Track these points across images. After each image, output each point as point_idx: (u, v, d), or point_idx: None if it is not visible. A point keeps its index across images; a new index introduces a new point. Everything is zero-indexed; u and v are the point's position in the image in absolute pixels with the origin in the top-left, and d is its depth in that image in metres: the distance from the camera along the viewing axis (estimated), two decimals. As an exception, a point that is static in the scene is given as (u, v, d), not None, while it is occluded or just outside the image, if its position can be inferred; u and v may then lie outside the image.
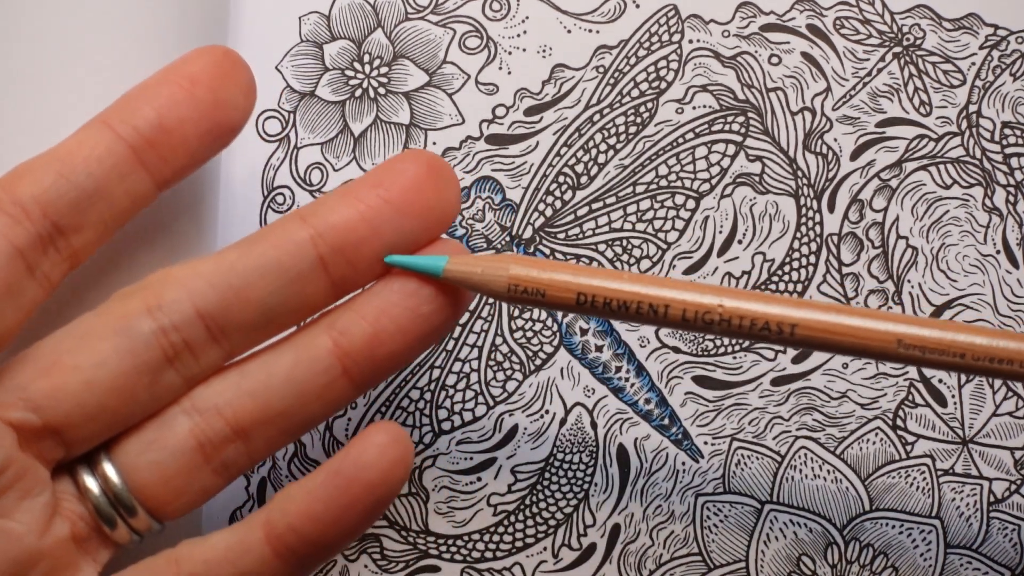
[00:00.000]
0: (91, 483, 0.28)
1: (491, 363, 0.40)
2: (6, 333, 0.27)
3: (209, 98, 0.29)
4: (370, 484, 0.28)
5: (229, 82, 0.29)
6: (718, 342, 0.41)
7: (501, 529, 0.40)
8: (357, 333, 0.28)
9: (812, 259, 0.41)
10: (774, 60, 0.41)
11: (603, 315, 0.24)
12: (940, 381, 0.41)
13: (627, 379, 0.40)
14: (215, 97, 0.29)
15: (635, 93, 0.41)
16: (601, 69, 0.41)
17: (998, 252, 0.41)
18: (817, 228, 0.41)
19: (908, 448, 0.41)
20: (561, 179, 0.41)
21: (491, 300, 0.40)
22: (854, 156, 0.41)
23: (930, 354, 0.23)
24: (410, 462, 0.29)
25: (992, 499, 0.41)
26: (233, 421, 0.28)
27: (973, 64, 0.42)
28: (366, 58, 0.40)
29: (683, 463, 0.40)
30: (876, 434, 0.41)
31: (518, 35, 0.41)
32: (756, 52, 0.41)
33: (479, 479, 0.40)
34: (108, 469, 0.28)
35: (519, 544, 0.40)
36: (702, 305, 0.23)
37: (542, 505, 0.40)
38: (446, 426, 0.40)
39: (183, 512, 0.29)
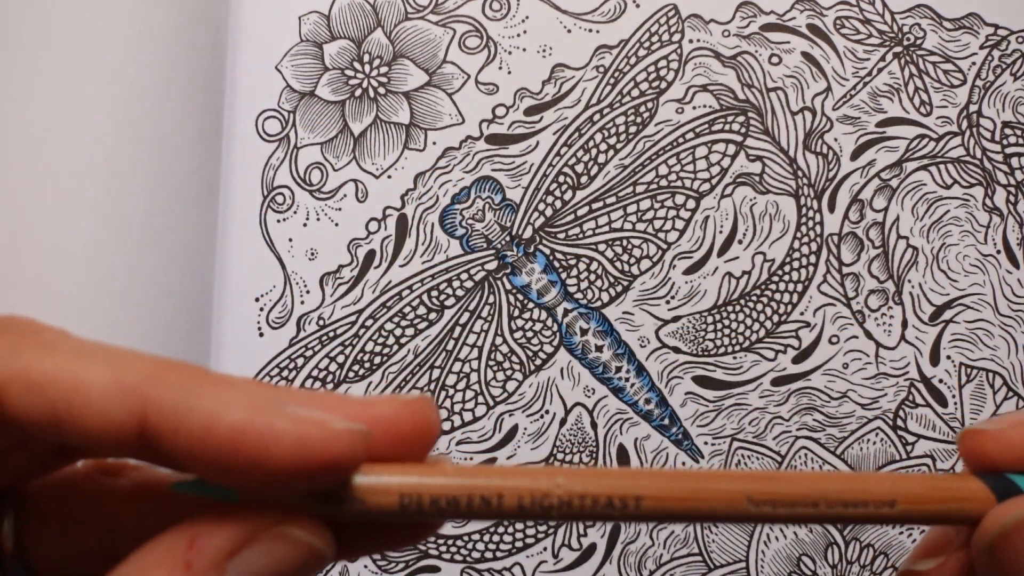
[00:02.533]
0: None
1: (491, 363, 0.40)
2: None
3: None
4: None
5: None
6: (718, 342, 0.41)
7: (501, 529, 0.40)
8: None
9: (812, 259, 0.41)
10: (774, 60, 0.41)
11: (431, 516, 0.22)
12: (940, 381, 0.41)
13: (627, 379, 0.40)
14: None
15: (635, 93, 0.41)
16: (601, 69, 0.41)
17: (998, 252, 0.41)
18: (817, 228, 0.41)
19: (909, 448, 0.41)
20: (561, 179, 0.41)
21: (490, 301, 0.40)
22: (854, 156, 0.41)
23: (781, 508, 0.22)
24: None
25: (992, 499, 0.41)
26: None
27: (973, 64, 0.42)
28: (366, 58, 0.40)
29: (683, 463, 0.40)
30: (876, 434, 0.41)
31: (518, 35, 0.41)
32: (756, 52, 0.41)
33: (479, 479, 0.40)
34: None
35: (519, 544, 0.40)
36: (537, 489, 0.22)
37: (542, 505, 0.40)
38: (446, 426, 0.40)
39: None
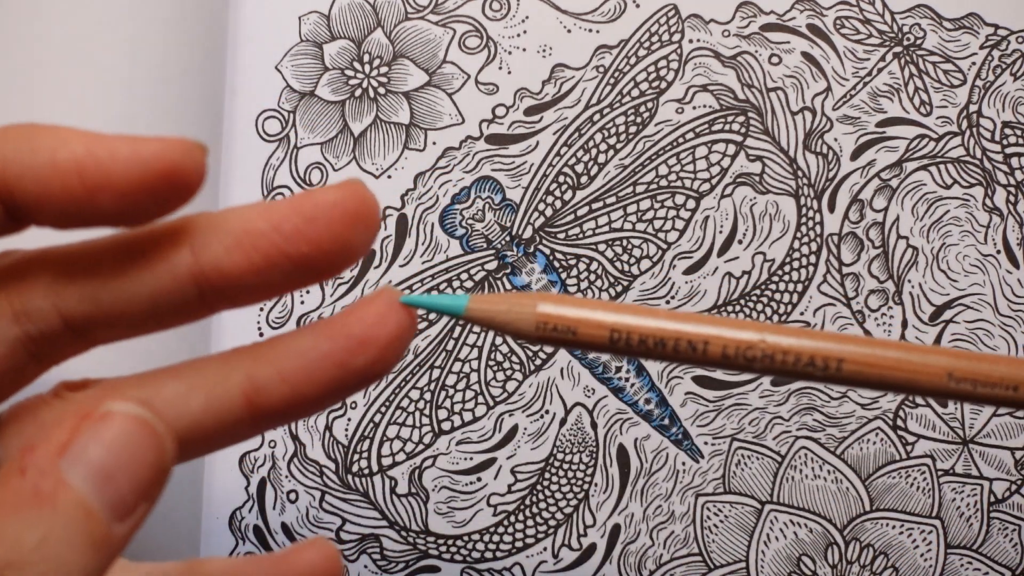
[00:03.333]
0: None
1: (491, 363, 0.40)
2: None
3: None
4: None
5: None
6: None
7: (501, 529, 0.40)
8: (275, 394, 0.24)
9: (812, 259, 0.41)
10: (774, 60, 0.41)
11: (638, 354, 0.23)
12: (940, 381, 0.41)
13: (627, 379, 0.40)
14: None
15: (635, 93, 0.41)
16: (601, 69, 0.41)
17: (998, 252, 0.41)
18: (817, 228, 0.41)
19: (908, 448, 0.41)
20: (561, 179, 0.41)
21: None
22: (854, 156, 0.41)
23: (982, 388, 0.22)
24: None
25: (992, 499, 0.41)
26: None
27: (973, 64, 0.42)
28: (366, 58, 0.40)
29: (683, 463, 0.40)
30: (876, 434, 0.41)
31: (518, 35, 0.41)
32: (756, 52, 0.41)
33: (479, 479, 0.40)
34: None
35: (519, 544, 0.40)
36: (743, 341, 0.22)
37: (542, 505, 0.40)
38: (446, 426, 0.40)
39: None
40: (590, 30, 0.41)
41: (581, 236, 0.41)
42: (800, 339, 0.22)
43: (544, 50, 0.41)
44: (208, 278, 0.22)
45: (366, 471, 0.39)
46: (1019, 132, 0.42)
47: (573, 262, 0.41)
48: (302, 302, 0.39)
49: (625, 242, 0.41)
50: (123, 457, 0.21)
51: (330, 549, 0.26)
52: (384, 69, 0.40)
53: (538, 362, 0.40)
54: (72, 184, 0.20)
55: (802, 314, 0.41)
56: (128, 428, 0.21)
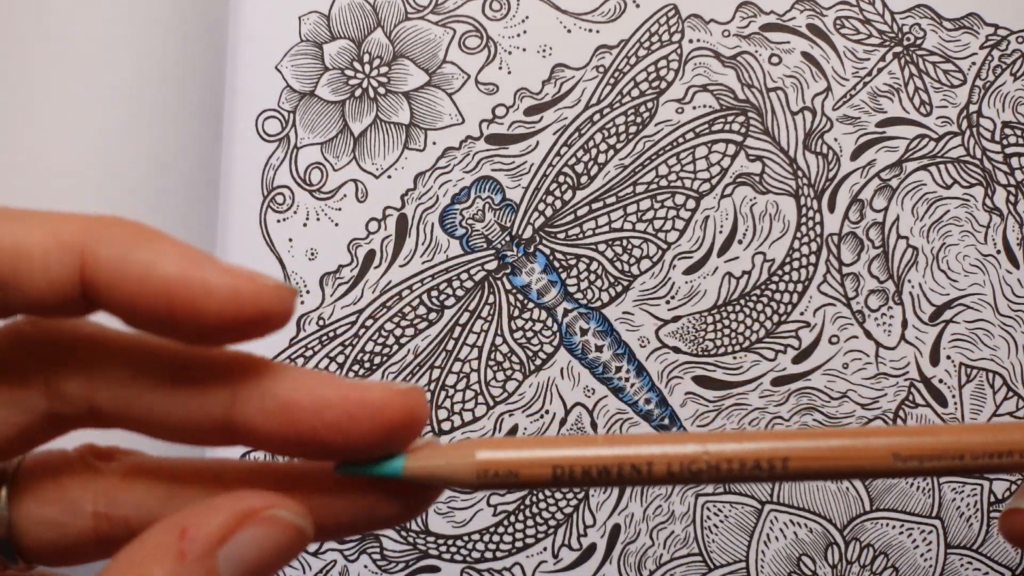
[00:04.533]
0: None
1: (491, 363, 0.40)
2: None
3: None
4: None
5: None
6: (718, 342, 0.41)
7: (501, 529, 0.40)
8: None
9: (812, 259, 0.41)
10: (774, 60, 0.41)
11: (585, 485, 0.23)
12: (940, 381, 0.41)
13: (627, 379, 0.40)
14: None
15: (635, 93, 0.41)
16: (601, 69, 0.41)
17: (998, 252, 0.41)
18: (817, 228, 0.41)
19: (908, 448, 0.41)
20: (561, 179, 0.41)
21: (490, 301, 0.40)
22: (854, 156, 0.41)
23: (928, 462, 0.23)
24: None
25: (992, 499, 0.41)
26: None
27: (973, 64, 0.42)
28: (366, 58, 0.40)
29: (683, 463, 0.40)
30: (876, 434, 0.41)
31: (518, 35, 0.41)
32: (756, 52, 0.41)
33: (479, 479, 0.40)
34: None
35: (519, 544, 0.40)
36: (686, 456, 0.22)
37: (542, 505, 0.40)
38: (446, 426, 0.40)
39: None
40: (590, 30, 0.41)
41: (581, 236, 0.41)
42: (742, 443, 0.22)
43: (544, 50, 0.41)
44: (237, 427, 0.22)
45: (366, 471, 0.39)
46: (1019, 132, 0.42)
47: (573, 262, 0.41)
48: (302, 302, 0.39)
49: (625, 242, 0.41)
50: (273, 562, 0.21)
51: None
52: (384, 69, 0.40)
53: (538, 362, 0.40)
54: (159, 306, 0.20)
55: (802, 314, 0.41)
56: (287, 537, 0.22)
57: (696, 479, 0.22)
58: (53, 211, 0.21)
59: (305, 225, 0.39)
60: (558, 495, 0.40)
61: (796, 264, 0.41)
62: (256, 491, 0.22)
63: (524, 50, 0.41)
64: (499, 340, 0.40)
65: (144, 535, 0.21)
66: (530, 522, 0.40)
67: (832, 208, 0.41)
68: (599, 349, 0.40)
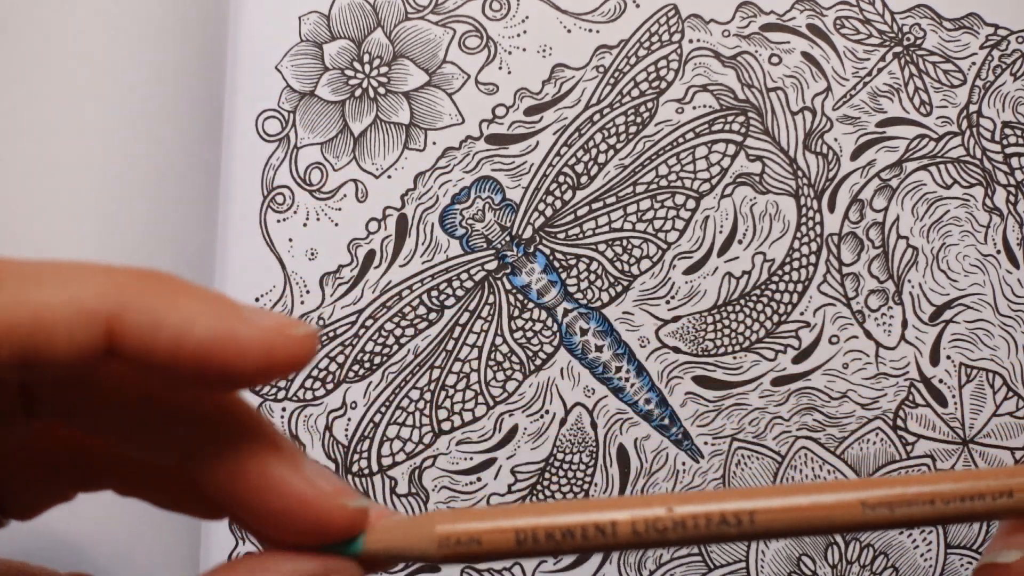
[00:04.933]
0: None
1: (491, 363, 0.40)
2: None
3: None
4: None
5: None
6: (718, 342, 0.41)
7: (501, 529, 0.40)
8: None
9: (812, 259, 0.41)
10: (774, 60, 0.41)
11: (551, 551, 0.22)
12: (940, 381, 0.41)
13: (627, 379, 0.40)
14: None
15: (635, 93, 0.41)
16: (601, 69, 0.41)
17: (998, 252, 0.41)
18: (817, 228, 0.41)
19: (909, 448, 0.41)
20: (561, 179, 0.41)
21: (490, 301, 0.40)
22: (854, 156, 0.41)
23: (899, 509, 0.22)
24: None
25: (992, 499, 0.41)
26: None
27: (973, 64, 0.42)
28: (366, 58, 0.40)
29: (683, 463, 0.40)
30: (876, 434, 0.41)
31: (518, 35, 0.41)
32: (756, 52, 0.41)
33: (479, 479, 0.40)
34: None
35: (519, 544, 0.40)
36: (651, 517, 0.22)
37: (542, 505, 0.40)
38: (446, 426, 0.40)
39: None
40: (590, 30, 0.41)
41: (581, 236, 0.41)
42: (707, 503, 0.22)
43: (544, 50, 0.41)
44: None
45: (366, 471, 0.39)
46: (1019, 132, 0.42)
47: (573, 262, 0.41)
48: (302, 302, 0.39)
49: (625, 242, 0.41)
50: None
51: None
52: (384, 69, 0.40)
53: (538, 362, 0.40)
54: (190, 370, 0.20)
55: (802, 314, 0.41)
56: None
57: (664, 539, 0.22)
58: (73, 266, 0.20)
59: (305, 225, 0.40)
60: (558, 495, 0.40)
61: (796, 264, 0.41)
62: (312, 555, 0.22)
63: (524, 50, 0.41)
64: (499, 340, 0.40)
65: None
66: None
67: (832, 208, 0.41)
68: (599, 349, 0.40)
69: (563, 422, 0.40)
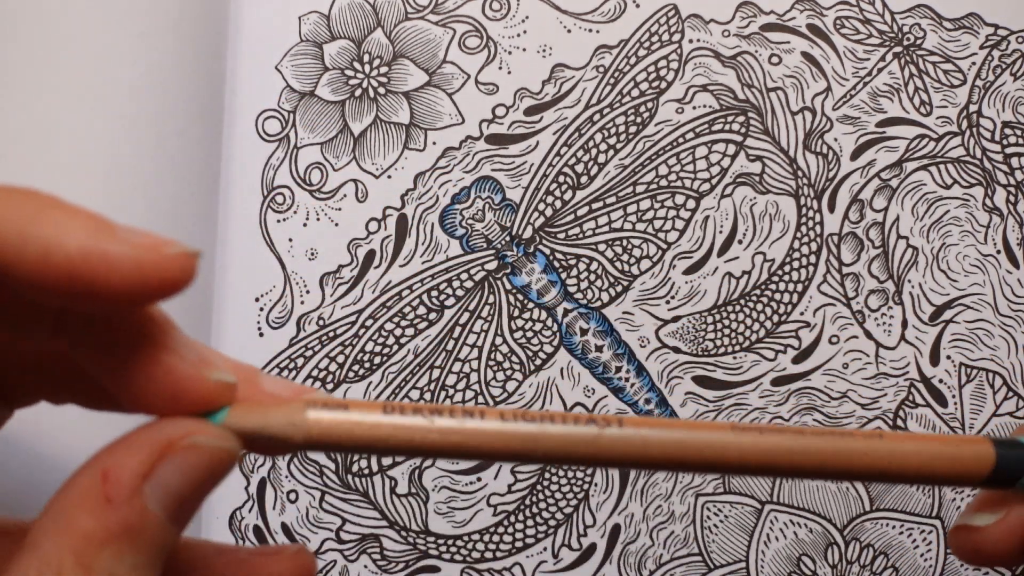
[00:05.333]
0: None
1: (491, 363, 0.40)
2: None
3: None
4: None
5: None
6: (718, 342, 0.41)
7: (501, 529, 0.40)
8: None
9: (812, 259, 0.41)
10: (774, 60, 0.41)
11: (417, 432, 0.22)
12: (940, 381, 0.41)
13: (627, 379, 0.40)
14: None
15: (635, 93, 0.41)
16: (601, 69, 0.41)
17: (998, 252, 0.41)
18: (817, 228, 0.41)
19: (908, 448, 0.41)
20: (561, 179, 0.41)
21: (490, 301, 0.40)
22: (854, 156, 0.41)
23: (767, 433, 0.22)
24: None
25: (992, 499, 0.41)
26: None
27: (973, 64, 0.42)
28: (366, 58, 0.40)
29: (683, 463, 0.40)
30: (876, 434, 0.41)
31: (518, 35, 0.41)
32: (756, 52, 0.41)
33: (479, 479, 0.40)
34: None
35: (519, 544, 0.40)
36: (526, 411, 0.22)
37: (542, 505, 0.40)
38: (446, 426, 0.40)
39: None
40: (590, 30, 0.41)
41: (581, 236, 0.41)
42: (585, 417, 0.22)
43: (544, 50, 0.41)
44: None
45: (366, 471, 0.39)
46: (1019, 132, 0.42)
47: (573, 262, 0.41)
48: (302, 302, 0.39)
49: (625, 242, 0.41)
50: (202, 488, 0.21)
51: (307, 560, 0.26)
52: (384, 69, 0.40)
53: (538, 362, 0.40)
54: (60, 284, 0.19)
55: (802, 314, 0.41)
56: (212, 462, 0.21)
57: (531, 433, 0.21)
58: None
59: (305, 225, 0.40)
60: (558, 495, 0.40)
61: (796, 264, 0.41)
62: (173, 419, 0.21)
63: (524, 50, 0.41)
64: (499, 340, 0.40)
65: (67, 484, 0.20)
66: (530, 522, 0.40)
67: (832, 208, 0.41)
68: (599, 349, 0.40)
69: (563, 422, 0.40)
